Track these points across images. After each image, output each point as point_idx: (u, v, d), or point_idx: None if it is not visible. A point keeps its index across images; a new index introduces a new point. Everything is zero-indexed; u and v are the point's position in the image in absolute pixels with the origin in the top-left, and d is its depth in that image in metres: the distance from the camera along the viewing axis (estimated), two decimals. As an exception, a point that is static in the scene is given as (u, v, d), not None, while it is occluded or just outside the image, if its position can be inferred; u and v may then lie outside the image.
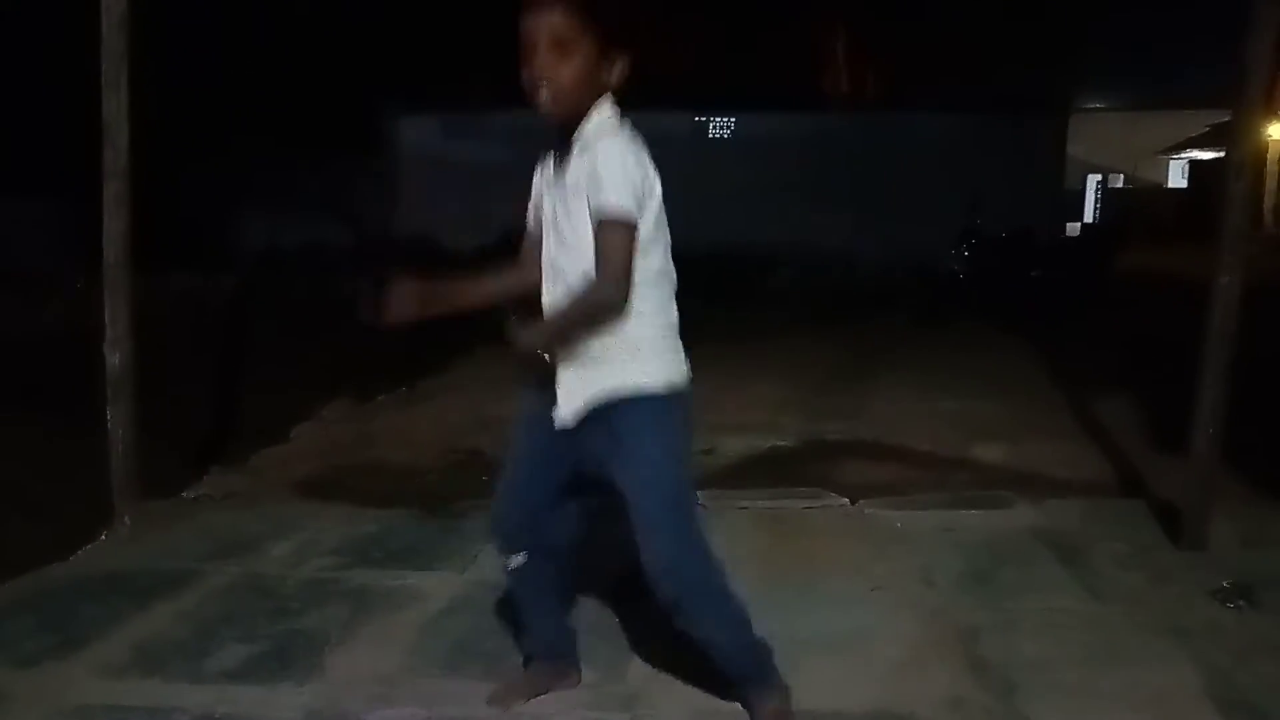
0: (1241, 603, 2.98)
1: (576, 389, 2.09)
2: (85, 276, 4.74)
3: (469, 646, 2.76)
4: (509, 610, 2.96)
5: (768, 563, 3.34)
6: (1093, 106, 25.87)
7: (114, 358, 3.69)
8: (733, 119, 17.97)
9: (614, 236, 1.94)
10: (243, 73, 14.36)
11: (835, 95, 19.51)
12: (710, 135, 18.07)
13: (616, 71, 2.03)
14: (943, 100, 16.73)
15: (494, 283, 2.26)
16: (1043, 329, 8.57)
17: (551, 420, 2.13)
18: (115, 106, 3.59)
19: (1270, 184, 22.50)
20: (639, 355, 2.06)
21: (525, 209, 2.22)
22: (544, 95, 1.97)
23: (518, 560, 2.31)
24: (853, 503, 3.97)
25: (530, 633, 2.51)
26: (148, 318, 3.86)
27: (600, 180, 1.94)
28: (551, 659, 2.48)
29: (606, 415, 2.08)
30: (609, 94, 2.05)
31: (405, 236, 15.33)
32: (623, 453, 2.08)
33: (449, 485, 4.44)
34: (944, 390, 6.29)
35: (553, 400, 2.12)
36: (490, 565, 3.34)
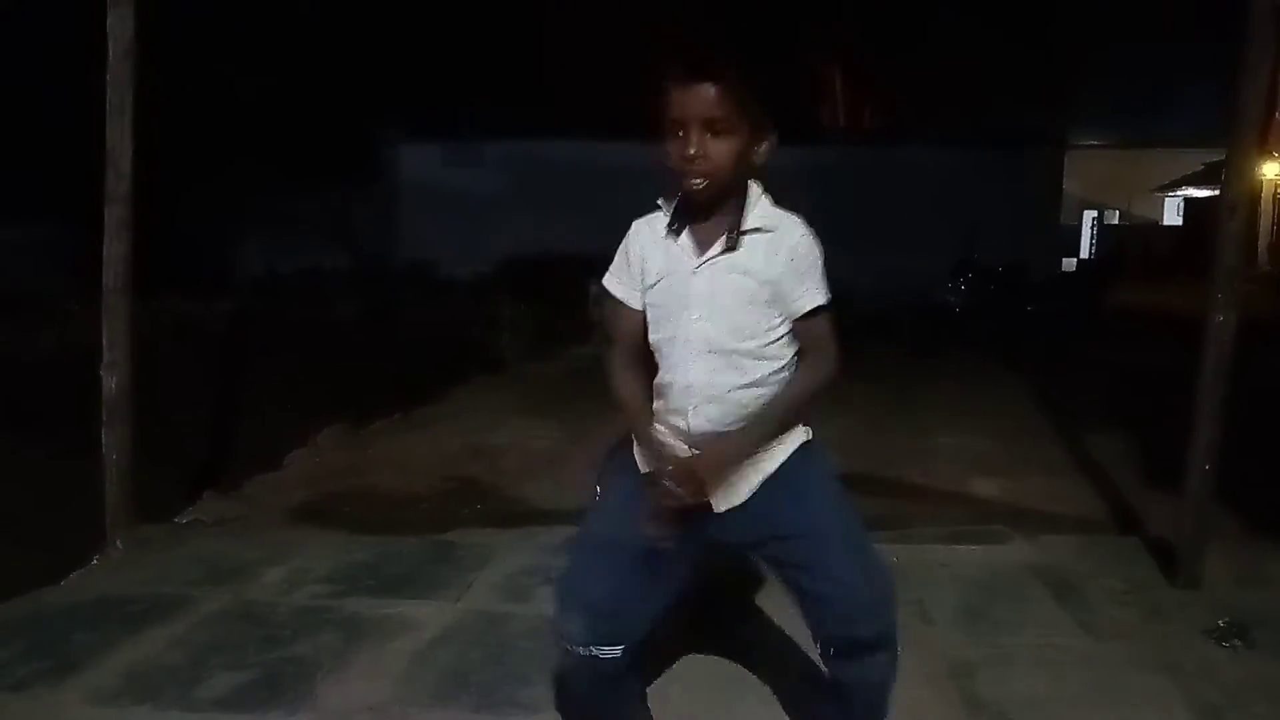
0: (1237, 642, 2.98)
1: (749, 470, 2.02)
2: (82, 300, 4.75)
3: (461, 677, 2.74)
4: (503, 640, 2.96)
5: (764, 599, 3.32)
6: (1089, 143, 26.07)
7: (110, 381, 3.69)
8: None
9: (828, 323, 2.02)
10: (242, 99, 14.44)
11: (832, 128, 19.66)
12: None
13: (765, 150, 2.02)
14: (939, 134, 16.86)
15: (642, 403, 2.10)
16: (1038, 363, 8.60)
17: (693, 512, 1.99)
18: (119, 132, 3.62)
19: (1264, 222, 22.64)
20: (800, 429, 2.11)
21: (615, 285, 2.11)
22: (698, 174, 1.93)
23: (612, 652, 2.05)
24: (848, 536, 3.95)
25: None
26: (145, 342, 3.87)
27: (813, 271, 2.00)
28: None
29: (775, 481, 2.04)
30: (756, 173, 2.04)
31: (402, 262, 15.38)
32: (809, 504, 2.05)
33: (443, 513, 4.43)
34: (939, 424, 6.30)
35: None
36: (484, 595, 3.35)
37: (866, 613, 2.02)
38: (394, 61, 16.12)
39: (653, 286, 2.05)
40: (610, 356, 2.13)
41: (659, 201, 2.08)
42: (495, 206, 16.60)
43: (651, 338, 2.07)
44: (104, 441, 3.70)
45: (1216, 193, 5.57)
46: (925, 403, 7.12)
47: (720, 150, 1.92)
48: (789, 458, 2.05)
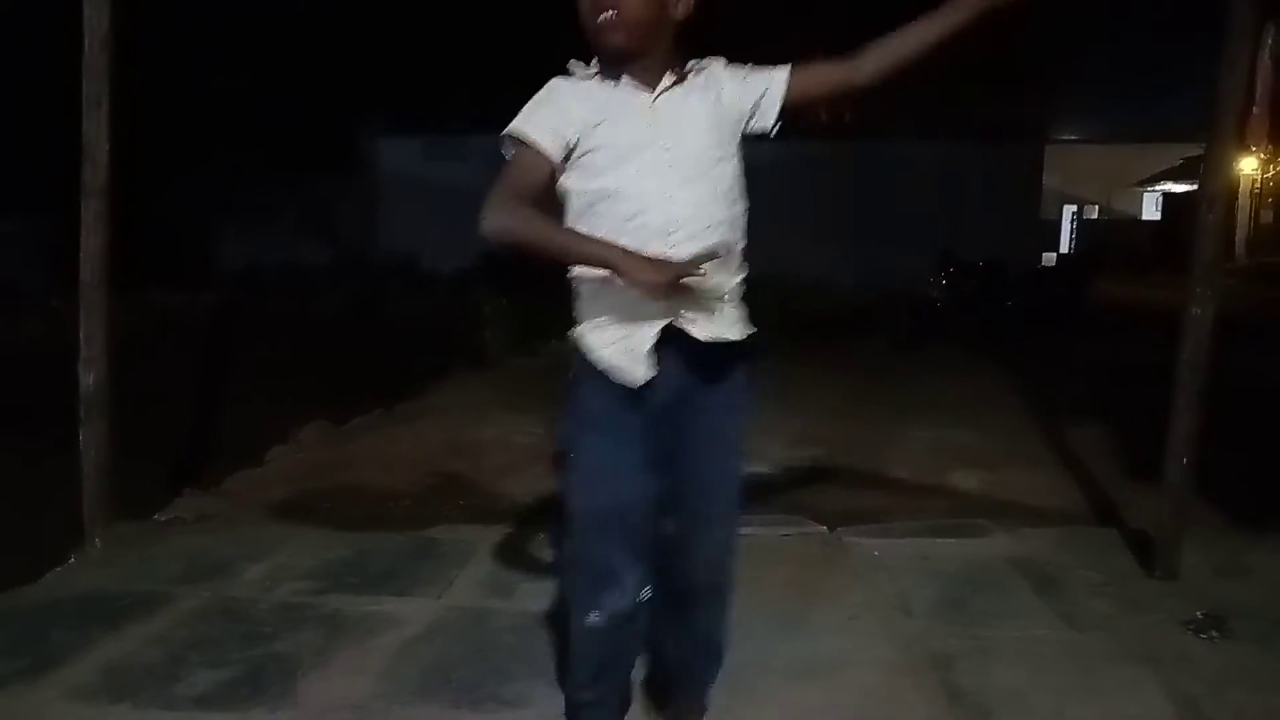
0: (1214, 633, 3.00)
1: (720, 318, 1.94)
2: (61, 295, 4.71)
3: (444, 673, 2.73)
4: (486, 636, 2.95)
5: (745, 590, 3.29)
6: (1069, 138, 26.22)
7: (88, 377, 3.66)
8: (712, 145, 18.05)
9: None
10: (224, 92, 14.35)
11: (814, 122, 19.67)
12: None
13: (683, 4, 1.93)
14: (921, 127, 16.90)
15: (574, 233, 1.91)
16: (1019, 356, 8.64)
17: (644, 411, 1.92)
18: (96, 124, 3.58)
19: (1242, 216, 22.85)
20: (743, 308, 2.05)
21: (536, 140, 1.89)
22: (612, 28, 1.84)
23: (647, 592, 2.04)
24: (831, 530, 3.98)
25: (668, 658, 2.32)
26: (125, 337, 3.84)
27: (753, 68, 2.02)
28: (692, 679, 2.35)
29: (729, 366, 1.99)
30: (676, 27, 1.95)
31: (384, 256, 15.32)
32: (728, 421, 2.02)
33: (426, 509, 4.41)
34: (921, 417, 6.32)
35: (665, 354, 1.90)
36: (466, 591, 3.34)
37: (717, 559, 2.09)
38: (376, 54, 16.05)
39: (595, 129, 1.88)
40: (505, 210, 1.85)
41: (570, 65, 1.96)
42: (477, 200, 16.43)
43: (584, 187, 1.90)
44: (82, 438, 3.67)
45: (1195, 187, 5.61)
46: (906, 396, 7.15)
47: (637, 5, 1.84)
48: (744, 359, 2.02)
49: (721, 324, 1.95)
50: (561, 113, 1.89)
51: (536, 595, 3.20)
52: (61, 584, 3.40)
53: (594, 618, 2.02)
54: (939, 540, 3.85)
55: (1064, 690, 2.65)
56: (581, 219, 1.91)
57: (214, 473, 4.80)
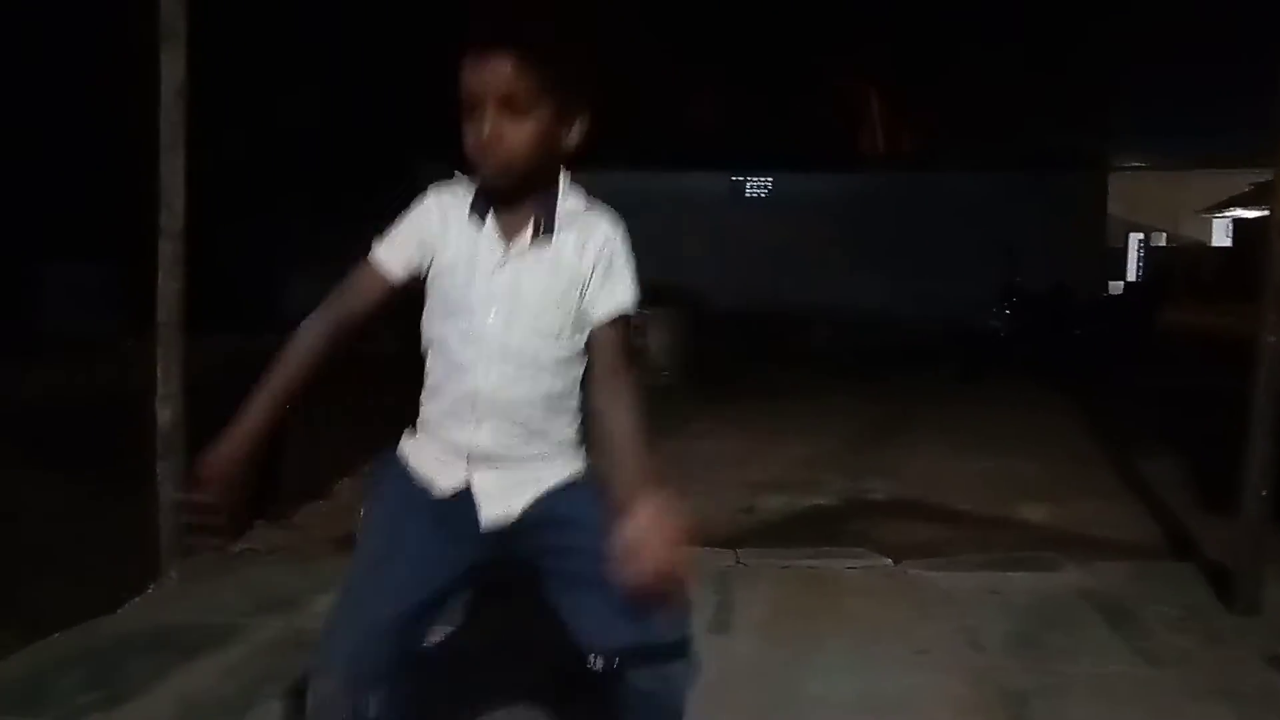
0: (1299, 668, 2.91)
1: (525, 485, 1.80)
2: (134, 338, 4.86)
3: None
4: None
5: (810, 623, 3.30)
6: (1134, 165, 25.81)
7: (164, 414, 3.76)
8: (769, 178, 18.08)
9: (627, 330, 1.81)
10: (285, 134, 14.71)
11: (872, 154, 19.64)
12: (747, 195, 18.19)
13: (576, 132, 1.78)
14: (979, 158, 16.77)
15: (284, 388, 1.88)
16: (1085, 387, 8.49)
17: (452, 521, 1.80)
18: (172, 170, 3.71)
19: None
20: (578, 444, 1.88)
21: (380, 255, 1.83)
22: (495, 162, 1.71)
23: (374, 708, 1.74)
24: (896, 563, 3.93)
25: None
26: (195, 377, 3.94)
27: (615, 268, 1.79)
28: None
29: (551, 505, 1.82)
30: (565, 158, 1.81)
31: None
32: (583, 534, 1.77)
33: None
34: (986, 449, 6.23)
35: (457, 501, 1.80)
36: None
37: (659, 637, 1.76)
38: (438, 100, 16.35)
39: (444, 273, 1.79)
40: (315, 317, 1.84)
41: (457, 173, 1.83)
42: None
43: (430, 331, 1.84)
44: (158, 473, 3.76)
45: (1266, 213, 5.50)
46: (970, 428, 7.05)
47: (520, 134, 1.69)
48: (571, 489, 1.83)
49: (512, 504, 1.80)
50: (419, 243, 1.81)
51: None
52: (138, 616, 3.48)
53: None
54: (1008, 573, 3.79)
55: (1142, 727, 2.59)
56: (429, 343, 1.86)
57: (283, 506, 4.89)
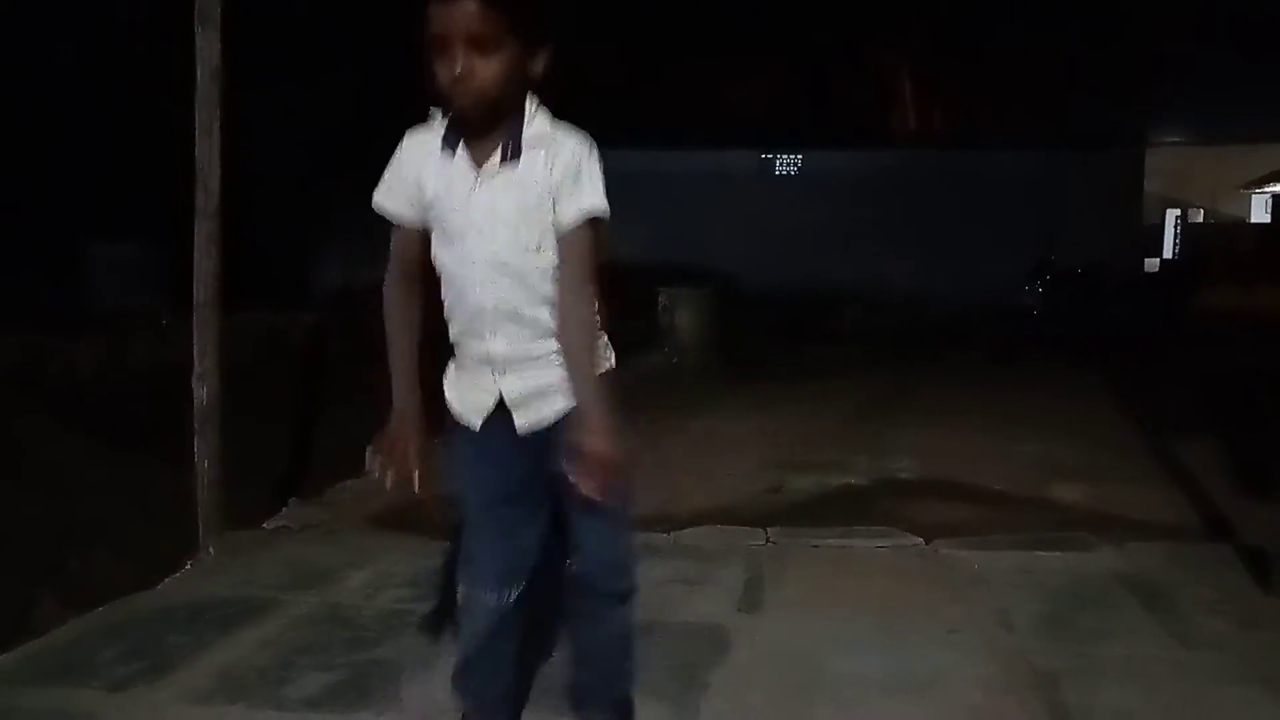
0: (1337, 652, 2.88)
1: (549, 395, 2.03)
2: (171, 314, 4.91)
3: (543, 679, 2.77)
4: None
5: (841, 602, 3.31)
6: (1171, 141, 25.36)
7: (201, 391, 3.82)
8: (800, 156, 17.93)
9: (595, 235, 1.94)
10: (317, 114, 14.76)
11: (904, 132, 19.43)
12: (777, 172, 18.06)
13: (540, 63, 1.91)
14: (1014, 136, 16.55)
15: (408, 359, 2.15)
16: (1121, 366, 8.40)
17: (506, 436, 2.06)
18: (208, 151, 3.75)
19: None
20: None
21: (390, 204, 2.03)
22: (467, 96, 1.83)
23: (513, 593, 2.19)
24: (927, 542, 3.92)
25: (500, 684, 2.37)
26: (231, 354, 3.99)
27: (582, 176, 1.91)
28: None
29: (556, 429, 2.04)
30: (532, 89, 1.94)
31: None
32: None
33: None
34: (1019, 429, 6.19)
35: (500, 416, 2.06)
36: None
37: (619, 567, 2.16)
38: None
39: (432, 205, 1.97)
40: (387, 284, 2.08)
41: (432, 111, 1.97)
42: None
43: (436, 258, 2.01)
44: (196, 450, 3.82)
45: (1308, 189, 5.42)
46: (1001, 407, 7.01)
47: (489, 69, 1.81)
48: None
49: (543, 411, 2.04)
50: (410, 183, 1.98)
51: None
52: (177, 590, 3.55)
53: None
54: (1041, 554, 3.77)
55: (1176, 711, 2.57)
56: (440, 270, 2.03)
57: (317, 484, 4.94)
